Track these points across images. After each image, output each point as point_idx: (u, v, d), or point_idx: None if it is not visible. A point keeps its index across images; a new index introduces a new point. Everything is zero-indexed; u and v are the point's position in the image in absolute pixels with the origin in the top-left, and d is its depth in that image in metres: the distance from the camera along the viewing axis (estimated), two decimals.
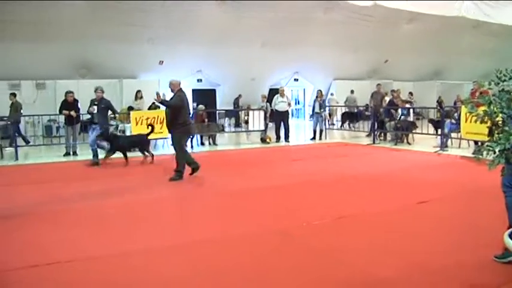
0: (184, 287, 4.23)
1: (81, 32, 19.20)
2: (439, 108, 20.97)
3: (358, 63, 26.74)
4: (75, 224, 6.47)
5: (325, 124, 18.54)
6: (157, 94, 9.47)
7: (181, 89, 9.89)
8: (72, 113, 13.63)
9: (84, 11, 18.65)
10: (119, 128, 15.87)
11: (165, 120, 10.26)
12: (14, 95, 17.01)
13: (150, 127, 12.94)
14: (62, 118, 15.46)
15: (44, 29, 18.58)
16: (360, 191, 8.39)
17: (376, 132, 16.40)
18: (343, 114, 22.32)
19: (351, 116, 21.80)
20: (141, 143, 12.58)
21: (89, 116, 12.18)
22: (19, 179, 10.27)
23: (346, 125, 21.86)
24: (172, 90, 9.88)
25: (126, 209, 7.25)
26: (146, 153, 12.43)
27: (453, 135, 14.05)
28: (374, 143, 15.63)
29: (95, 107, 12.02)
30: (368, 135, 17.41)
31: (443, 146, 13.67)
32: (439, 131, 14.73)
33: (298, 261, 4.71)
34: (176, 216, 6.98)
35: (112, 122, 14.22)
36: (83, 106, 14.48)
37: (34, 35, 18.66)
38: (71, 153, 13.89)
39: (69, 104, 13.68)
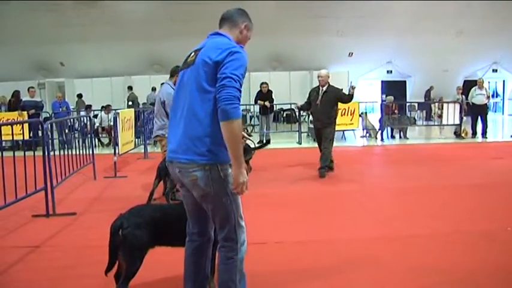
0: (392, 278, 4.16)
1: (274, 27, 19.93)
2: None
3: None
4: (277, 207, 6.76)
5: None
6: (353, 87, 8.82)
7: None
8: (267, 103, 14.22)
9: (274, 6, 19.44)
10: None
11: (318, 116, 9.17)
12: (130, 88, 18.68)
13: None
14: (256, 108, 16.25)
15: None
16: None
17: None
18: None
19: None
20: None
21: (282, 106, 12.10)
22: None
23: None
24: (323, 85, 9.06)
25: (313, 199, 7.37)
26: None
27: None
28: None
29: None
30: None
31: None
32: None
33: (500, 267, 4.33)
34: (355, 210, 6.85)
35: None
36: (276, 97, 15.08)
37: None
38: (265, 141, 14.48)
39: (264, 95, 14.31)
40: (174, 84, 7.47)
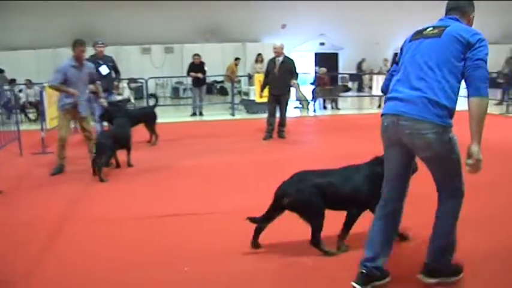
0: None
1: None
2: None
3: (492, 26, 24.74)
4: (209, 178, 6.77)
5: None
6: None
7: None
8: (199, 74, 14.05)
9: None
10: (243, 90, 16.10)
11: (276, 84, 9.88)
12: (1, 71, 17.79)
13: (154, 97, 11.26)
14: (188, 80, 16.09)
15: None
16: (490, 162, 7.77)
17: (509, 101, 15.12)
18: None
19: None
20: (148, 117, 9.65)
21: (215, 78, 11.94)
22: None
23: None
24: (279, 56, 9.89)
25: (250, 168, 7.43)
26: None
27: None
28: (507, 112, 14.44)
29: (105, 66, 9.18)
30: (498, 104, 16.19)
31: None
32: None
33: None
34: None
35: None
36: (209, 69, 14.97)
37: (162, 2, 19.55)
38: (197, 113, 14.40)
39: (196, 66, 14.12)
40: (76, 60, 7.16)
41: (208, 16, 21.07)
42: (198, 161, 7.89)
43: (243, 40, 22.08)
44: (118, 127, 7.55)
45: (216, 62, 19.67)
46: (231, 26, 21.85)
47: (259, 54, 18.07)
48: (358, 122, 12.92)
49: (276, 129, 10.14)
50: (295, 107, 15.90)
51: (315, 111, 15.36)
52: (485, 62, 3.06)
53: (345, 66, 24.80)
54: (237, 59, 18.16)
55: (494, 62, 20.21)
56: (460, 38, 3.09)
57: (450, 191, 3.30)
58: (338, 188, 3.94)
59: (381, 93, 15.62)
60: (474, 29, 3.19)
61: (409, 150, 3.27)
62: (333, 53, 25.28)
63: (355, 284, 3.30)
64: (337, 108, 15.98)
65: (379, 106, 16.32)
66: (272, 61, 10.04)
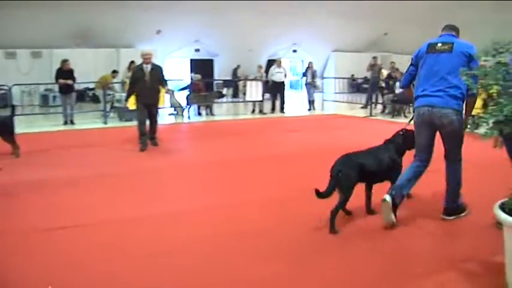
0: (188, 250, 4.30)
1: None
2: None
3: (357, 35, 26.42)
4: (87, 190, 6.56)
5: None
6: None
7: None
8: (70, 81, 13.50)
9: None
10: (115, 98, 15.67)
11: (148, 93, 9.61)
12: None
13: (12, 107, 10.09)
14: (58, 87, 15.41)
15: None
16: None
17: (372, 105, 16.35)
18: None
19: None
20: (2, 128, 8.77)
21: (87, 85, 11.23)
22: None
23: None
24: (148, 62, 9.62)
25: (129, 177, 7.32)
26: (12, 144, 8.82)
27: None
28: (371, 115, 15.54)
29: None
30: (363, 107, 17.44)
31: None
32: None
33: (284, 226, 4.78)
34: (175, 185, 6.99)
35: None
36: (81, 75, 14.46)
37: (30, 2, 18.43)
38: (68, 122, 13.83)
39: (65, 73, 13.55)
40: None
41: (79, 19, 20.20)
42: (65, 173, 7.59)
43: (116, 46, 21.58)
44: None
45: (88, 68, 19.07)
46: (103, 31, 21.19)
47: (132, 62, 17.64)
48: (233, 128, 13.19)
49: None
50: (169, 114, 15.85)
51: (189, 117, 15.42)
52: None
53: (221, 72, 25.15)
54: (114, 71, 17.60)
55: (362, 68, 21.95)
56: (465, 52, 4.70)
57: (455, 157, 4.91)
58: (373, 164, 4.95)
59: (254, 99, 16.34)
60: (469, 44, 4.79)
61: (435, 128, 4.86)
62: (209, 60, 25.57)
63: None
64: (212, 114, 16.17)
65: (253, 111, 16.81)
66: (140, 69, 9.72)
